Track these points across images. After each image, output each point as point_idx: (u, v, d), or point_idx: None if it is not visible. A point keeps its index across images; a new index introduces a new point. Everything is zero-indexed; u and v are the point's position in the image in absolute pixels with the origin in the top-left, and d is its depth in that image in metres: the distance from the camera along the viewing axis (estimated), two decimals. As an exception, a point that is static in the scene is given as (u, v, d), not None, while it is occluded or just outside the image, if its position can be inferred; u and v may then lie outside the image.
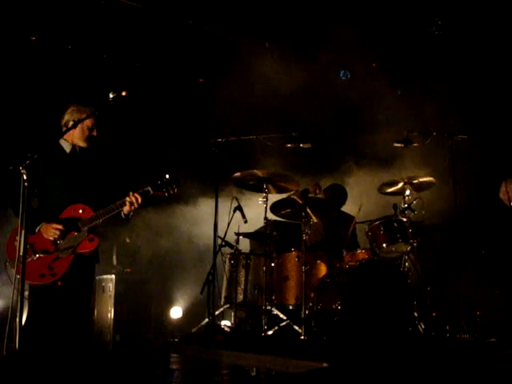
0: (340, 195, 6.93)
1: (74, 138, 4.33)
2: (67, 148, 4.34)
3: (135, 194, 4.16)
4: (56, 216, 4.16)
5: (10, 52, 6.70)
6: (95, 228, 4.20)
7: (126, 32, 7.22)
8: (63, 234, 4.11)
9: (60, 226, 4.09)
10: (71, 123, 4.19)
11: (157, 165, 7.73)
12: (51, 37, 7.04)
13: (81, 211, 4.17)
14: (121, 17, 7.09)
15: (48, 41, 7.04)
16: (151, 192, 4.19)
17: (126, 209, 4.18)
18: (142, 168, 7.37)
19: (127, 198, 4.16)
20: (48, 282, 4.04)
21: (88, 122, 4.27)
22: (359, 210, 6.39)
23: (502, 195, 6.12)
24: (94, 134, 4.36)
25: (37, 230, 4.11)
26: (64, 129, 4.26)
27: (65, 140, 4.33)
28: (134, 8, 7.12)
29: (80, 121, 4.14)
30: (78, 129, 4.24)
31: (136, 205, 4.16)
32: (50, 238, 4.10)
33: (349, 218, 6.68)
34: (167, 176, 4.19)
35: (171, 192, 4.20)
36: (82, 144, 4.34)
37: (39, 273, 4.03)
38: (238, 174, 6.12)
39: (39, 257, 4.07)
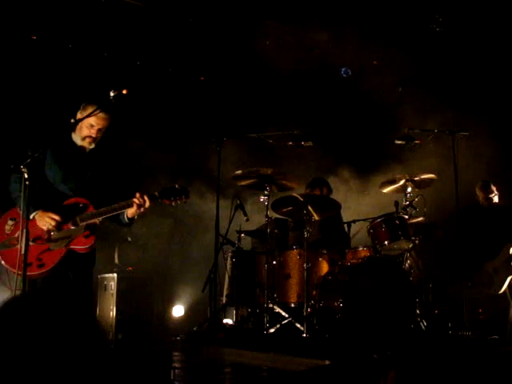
0: (328, 189, 6.86)
1: (76, 137, 4.14)
2: (78, 143, 4.13)
3: (144, 196, 3.91)
4: (54, 205, 3.91)
5: (11, 51, 6.70)
6: (94, 226, 3.97)
7: (127, 30, 7.21)
8: (59, 226, 3.87)
9: (57, 217, 3.85)
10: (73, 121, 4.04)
11: (157, 165, 7.73)
12: (52, 36, 7.03)
13: (81, 205, 3.95)
14: (121, 15, 7.08)
15: (49, 40, 7.03)
16: (158, 197, 3.97)
17: (132, 211, 3.95)
18: (142, 167, 7.36)
19: (135, 200, 3.90)
20: (33, 273, 3.75)
21: (88, 122, 4.00)
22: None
23: (477, 198, 6.56)
24: (92, 134, 4.06)
25: (31, 217, 3.77)
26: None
27: (77, 136, 4.13)
28: (133, 6, 7.11)
29: (78, 120, 3.98)
30: (77, 127, 4.08)
31: (143, 208, 3.91)
32: (44, 228, 3.86)
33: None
34: (177, 186, 3.99)
35: (179, 202, 3.99)
36: (80, 143, 4.10)
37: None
38: (239, 172, 6.12)
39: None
